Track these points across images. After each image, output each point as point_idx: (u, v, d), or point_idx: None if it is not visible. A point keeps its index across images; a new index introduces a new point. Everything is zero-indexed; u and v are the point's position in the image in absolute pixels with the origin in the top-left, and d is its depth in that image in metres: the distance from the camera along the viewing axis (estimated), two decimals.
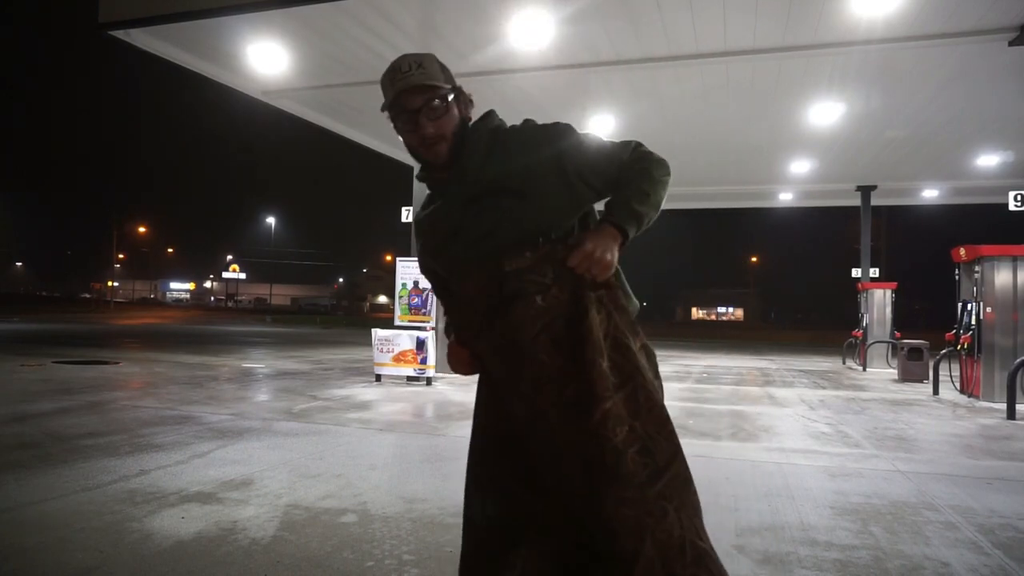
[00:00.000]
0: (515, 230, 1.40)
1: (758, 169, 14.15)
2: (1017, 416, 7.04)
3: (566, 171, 1.43)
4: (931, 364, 10.02)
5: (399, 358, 9.15)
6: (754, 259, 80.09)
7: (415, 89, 1.41)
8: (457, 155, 1.46)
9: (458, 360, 1.56)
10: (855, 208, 16.61)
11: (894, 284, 14.29)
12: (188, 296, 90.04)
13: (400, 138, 1.51)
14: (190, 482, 3.85)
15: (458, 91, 1.49)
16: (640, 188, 1.44)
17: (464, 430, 4.85)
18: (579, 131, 1.49)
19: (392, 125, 1.49)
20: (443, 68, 1.48)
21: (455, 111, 1.47)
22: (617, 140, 1.52)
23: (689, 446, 3.37)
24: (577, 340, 1.32)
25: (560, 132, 1.47)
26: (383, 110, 1.48)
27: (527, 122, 1.52)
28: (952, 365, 9.77)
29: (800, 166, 13.64)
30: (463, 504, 1.54)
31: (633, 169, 1.46)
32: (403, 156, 13.23)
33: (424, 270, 1.65)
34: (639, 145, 1.50)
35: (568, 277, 1.35)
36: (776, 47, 7.42)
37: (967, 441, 5.85)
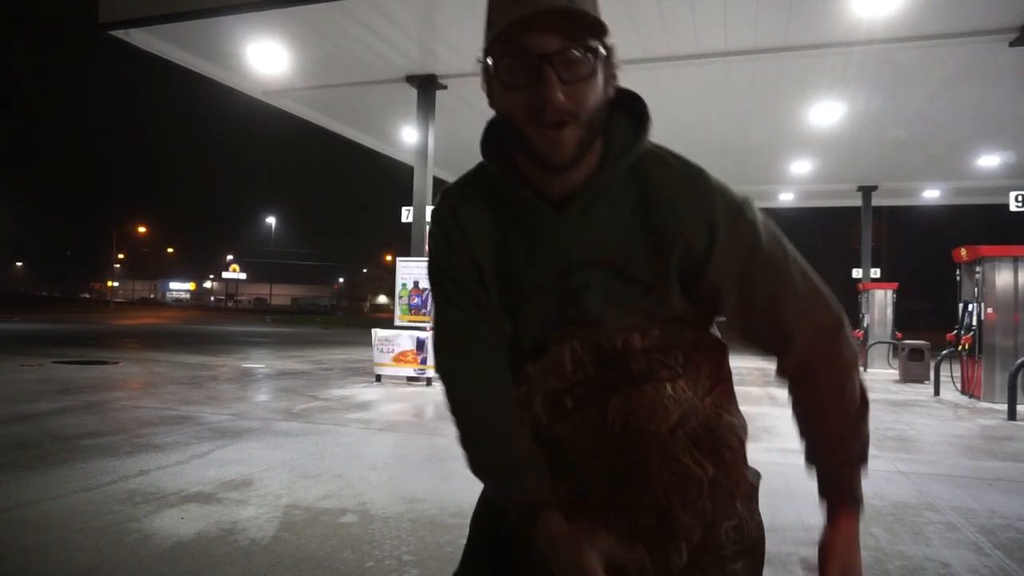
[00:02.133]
0: (632, 318, 0.99)
1: (759, 169, 14.15)
2: (1018, 417, 7.03)
3: (719, 287, 0.96)
4: (932, 365, 10.02)
5: (399, 358, 9.15)
6: None
7: (554, 17, 0.82)
8: (581, 157, 0.89)
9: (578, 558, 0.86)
10: (856, 208, 16.61)
11: (895, 284, 14.28)
12: (188, 296, 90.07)
13: (489, 101, 0.92)
14: (190, 482, 3.85)
15: (610, 51, 0.89)
16: (861, 433, 0.99)
17: None
18: (766, 227, 0.96)
19: (484, 74, 0.89)
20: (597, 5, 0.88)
21: (600, 81, 0.87)
22: (809, 278, 0.97)
23: None
24: (717, 444, 1.00)
25: (745, 226, 0.94)
26: (484, 52, 0.86)
27: (687, 168, 0.96)
28: (953, 366, 9.76)
29: (801, 166, 13.64)
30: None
31: (840, 388, 0.98)
32: (403, 155, 13.18)
33: (451, 293, 1.05)
34: (841, 319, 0.98)
35: (703, 367, 1.02)
36: (777, 47, 7.42)
37: (968, 442, 5.84)
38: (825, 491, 1.03)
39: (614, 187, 0.94)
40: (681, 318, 1.01)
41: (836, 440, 1.00)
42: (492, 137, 1.00)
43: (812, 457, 1.05)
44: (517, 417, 1.01)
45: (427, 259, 1.08)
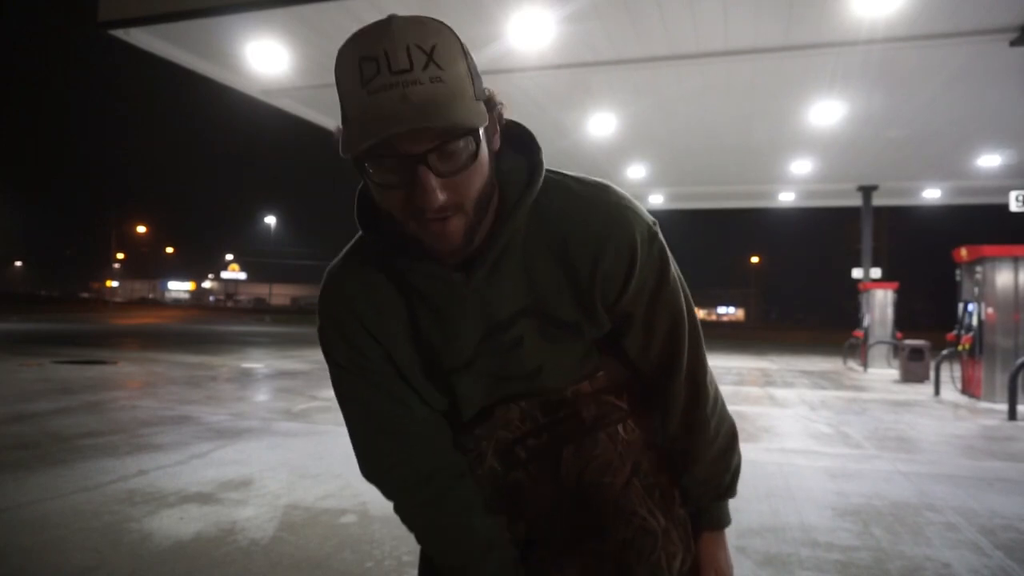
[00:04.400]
0: (575, 369, 0.97)
1: (759, 169, 14.15)
2: (1018, 417, 7.02)
3: (633, 321, 0.93)
4: (932, 365, 10.01)
5: None
6: (755, 259, 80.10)
7: (418, 116, 0.70)
8: (472, 239, 0.81)
9: None
10: (856, 208, 16.61)
11: (895, 284, 14.28)
12: (187, 296, 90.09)
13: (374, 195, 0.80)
14: (189, 482, 3.84)
15: (491, 110, 0.80)
16: (726, 470, 1.06)
17: None
18: (672, 271, 0.93)
19: (356, 168, 0.78)
20: (466, 56, 0.76)
21: (485, 154, 0.78)
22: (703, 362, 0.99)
23: None
24: (669, 491, 1.01)
25: (657, 246, 0.90)
26: (344, 152, 0.74)
27: (593, 190, 0.89)
28: (953, 366, 9.76)
29: (801, 166, 13.64)
30: None
31: (711, 432, 1.02)
32: None
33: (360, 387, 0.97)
34: (716, 394, 1.03)
35: (645, 395, 1.02)
36: (777, 47, 7.41)
37: (968, 442, 5.83)
38: (697, 521, 1.06)
39: (518, 238, 0.86)
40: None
41: (702, 484, 1.04)
42: (367, 204, 0.88)
43: (684, 495, 1.05)
44: (459, 519, 0.98)
45: (323, 351, 0.96)
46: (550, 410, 0.99)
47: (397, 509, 1.04)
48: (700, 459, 1.01)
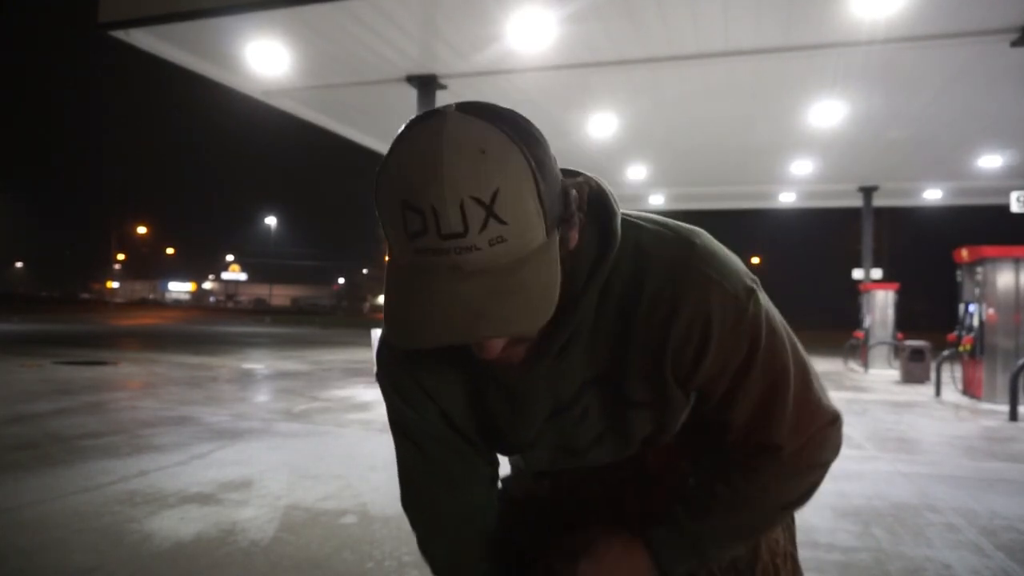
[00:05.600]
0: (636, 440, 0.87)
1: (759, 170, 14.14)
2: (1019, 418, 7.02)
3: (711, 398, 0.82)
4: (933, 365, 10.01)
5: None
6: (755, 259, 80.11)
7: (461, 329, 0.63)
8: (547, 343, 0.75)
9: None
10: (857, 209, 16.60)
11: (896, 285, 14.27)
12: (188, 297, 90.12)
13: None
14: (189, 483, 3.84)
15: (568, 213, 0.68)
16: (747, 515, 0.85)
17: None
18: (766, 337, 0.78)
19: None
20: (536, 181, 0.62)
21: (558, 278, 0.66)
22: (811, 394, 0.84)
23: None
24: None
25: (745, 336, 0.77)
26: (388, 339, 0.76)
27: (675, 247, 0.78)
28: (954, 367, 9.75)
29: (802, 167, 13.63)
30: None
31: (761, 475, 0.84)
32: None
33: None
34: (821, 431, 0.86)
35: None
36: (778, 47, 7.41)
37: (969, 443, 5.83)
38: (652, 527, 0.86)
39: (588, 317, 0.76)
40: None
41: (730, 491, 0.85)
42: None
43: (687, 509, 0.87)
44: (478, 559, 0.94)
45: (386, 409, 0.93)
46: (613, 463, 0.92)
47: (419, 543, 0.99)
48: (736, 503, 0.84)
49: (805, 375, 0.82)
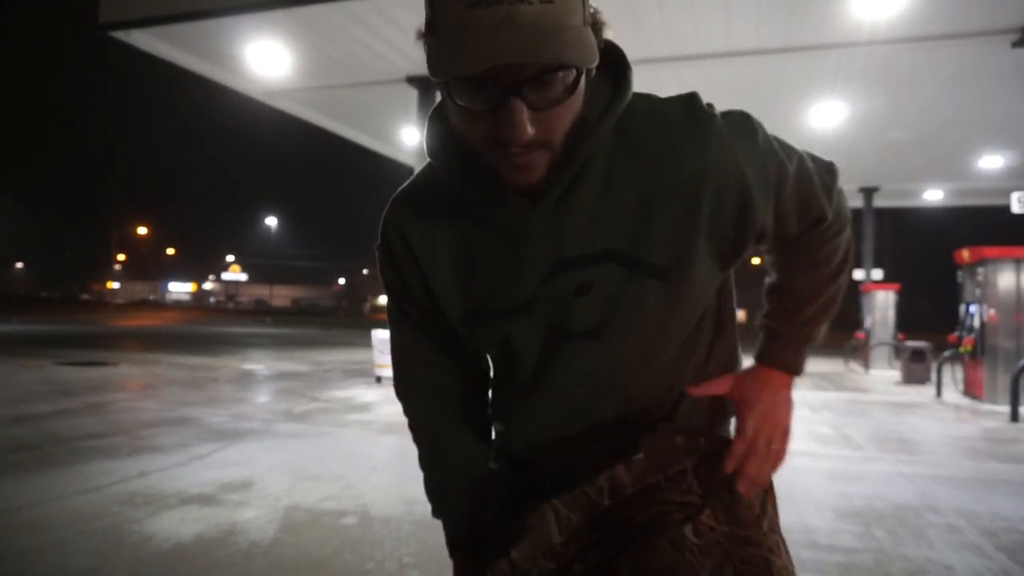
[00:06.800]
0: (647, 336, 0.82)
1: None
2: (1020, 419, 7.01)
3: (746, 224, 0.80)
4: (934, 366, 10.00)
5: None
6: (756, 261, 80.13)
7: (525, 47, 0.62)
8: (556, 175, 0.74)
9: None
10: (858, 210, 16.60)
11: (897, 286, 14.26)
12: (188, 297, 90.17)
13: (446, 122, 0.78)
14: (190, 484, 3.84)
15: (598, 34, 0.71)
16: (828, 301, 0.94)
17: None
18: (761, 130, 0.82)
19: (439, 90, 0.71)
20: None
21: (583, 87, 0.71)
22: (807, 156, 0.88)
23: None
24: None
25: (745, 141, 0.79)
26: (433, 75, 0.65)
27: (668, 107, 0.82)
28: (955, 367, 9.74)
29: None
30: None
31: (821, 258, 0.91)
32: (403, 156, 13.19)
33: (415, 327, 0.95)
34: (840, 193, 0.91)
35: (722, 493, 0.85)
36: (778, 48, 7.41)
37: (970, 444, 5.82)
38: (766, 352, 0.97)
39: (599, 163, 0.77)
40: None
41: (797, 299, 0.94)
42: (437, 128, 0.80)
43: (766, 317, 0.98)
44: (467, 451, 0.98)
45: (385, 291, 0.97)
46: (598, 521, 0.83)
47: (410, 425, 1.04)
48: (801, 271, 0.93)
49: (794, 149, 0.87)
